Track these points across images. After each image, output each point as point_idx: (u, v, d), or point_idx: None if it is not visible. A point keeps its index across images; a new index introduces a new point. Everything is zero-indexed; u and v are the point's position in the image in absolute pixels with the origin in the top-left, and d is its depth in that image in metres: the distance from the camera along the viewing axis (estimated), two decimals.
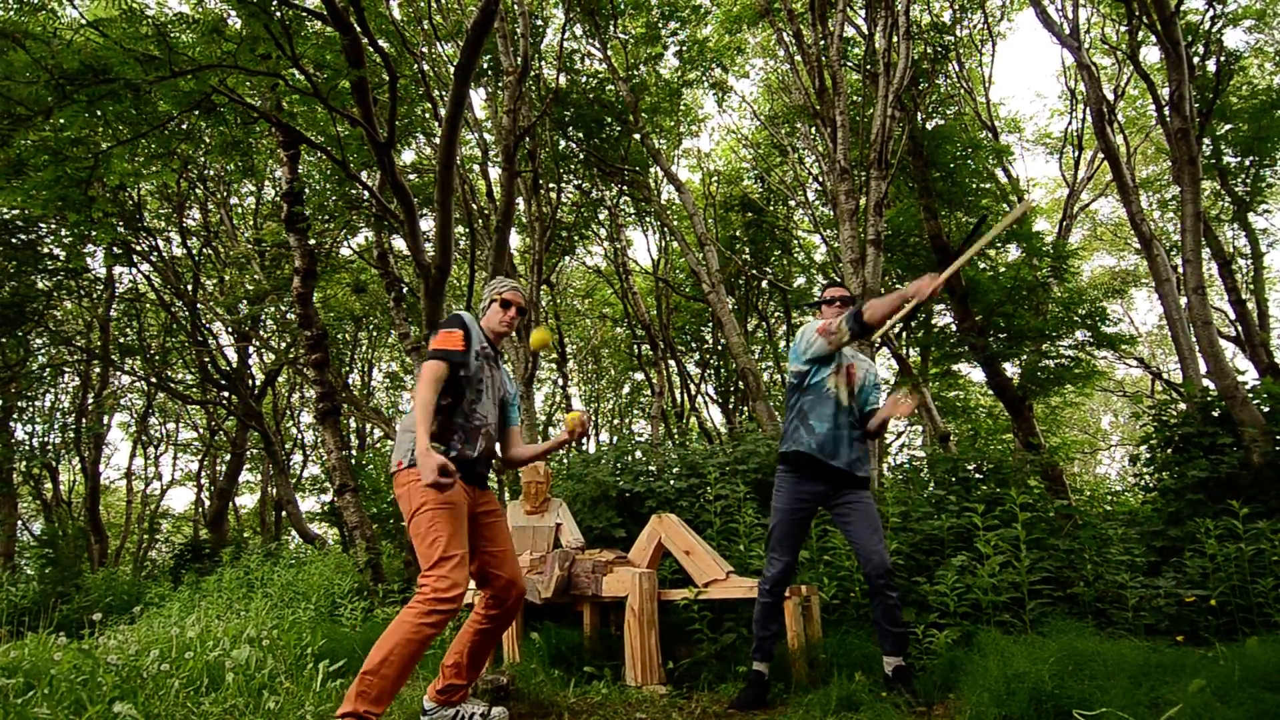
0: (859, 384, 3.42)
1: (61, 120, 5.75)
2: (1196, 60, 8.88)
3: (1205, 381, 6.30)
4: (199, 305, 13.14)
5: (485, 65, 11.32)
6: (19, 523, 16.03)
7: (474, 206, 11.94)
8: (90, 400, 15.91)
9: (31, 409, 16.33)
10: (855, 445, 3.33)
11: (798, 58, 9.66)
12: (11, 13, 5.70)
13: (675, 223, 13.89)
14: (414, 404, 2.79)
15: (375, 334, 18.21)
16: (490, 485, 3.12)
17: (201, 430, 19.70)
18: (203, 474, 20.13)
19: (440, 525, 2.68)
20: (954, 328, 11.42)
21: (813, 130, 12.67)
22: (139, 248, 12.29)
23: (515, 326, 3.19)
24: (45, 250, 11.98)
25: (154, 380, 14.89)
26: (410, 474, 2.75)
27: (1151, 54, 11.68)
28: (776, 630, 3.34)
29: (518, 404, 3.28)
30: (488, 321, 3.18)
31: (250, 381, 14.53)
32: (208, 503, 19.04)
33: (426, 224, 10.02)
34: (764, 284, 15.98)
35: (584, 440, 3.18)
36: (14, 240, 11.37)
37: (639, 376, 20.15)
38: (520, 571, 3.01)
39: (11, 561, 13.78)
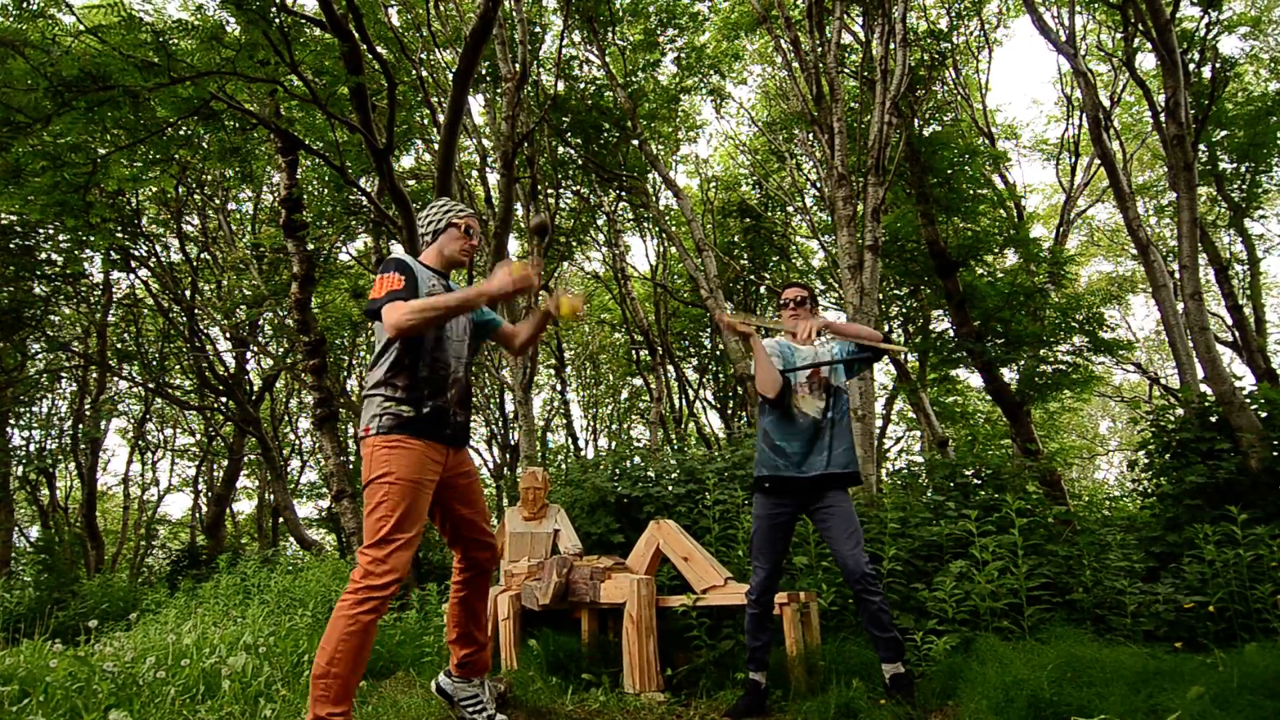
0: (826, 372, 3.34)
1: (58, 128, 5.76)
2: (1192, 67, 8.92)
3: (1203, 387, 6.30)
4: (197, 311, 13.13)
5: (484, 72, 11.36)
6: (15, 528, 15.99)
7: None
8: (87, 406, 15.88)
9: (29, 414, 16.31)
10: (834, 444, 3.24)
11: (795, 64, 9.69)
12: (11, 20, 5.71)
13: (673, 228, 13.93)
14: (388, 345, 2.62)
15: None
16: (469, 447, 2.94)
17: (199, 436, 19.67)
18: (200, 480, 20.08)
19: (394, 500, 2.49)
20: (952, 333, 11.44)
21: (810, 136, 12.71)
22: (137, 253, 12.30)
23: (473, 257, 2.92)
24: (43, 255, 11.99)
25: (151, 386, 14.87)
26: (375, 441, 2.58)
27: (1147, 61, 11.76)
28: (768, 640, 3.31)
29: (488, 312, 3.00)
30: (445, 248, 2.89)
31: (248, 387, 14.51)
32: (205, 509, 19.01)
33: None
34: (762, 289, 16.00)
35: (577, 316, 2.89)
36: (12, 245, 11.37)
37: (637, 382, 20.16)
38: (492, 532, 2.93)
39: (8, 567, 13.72)
